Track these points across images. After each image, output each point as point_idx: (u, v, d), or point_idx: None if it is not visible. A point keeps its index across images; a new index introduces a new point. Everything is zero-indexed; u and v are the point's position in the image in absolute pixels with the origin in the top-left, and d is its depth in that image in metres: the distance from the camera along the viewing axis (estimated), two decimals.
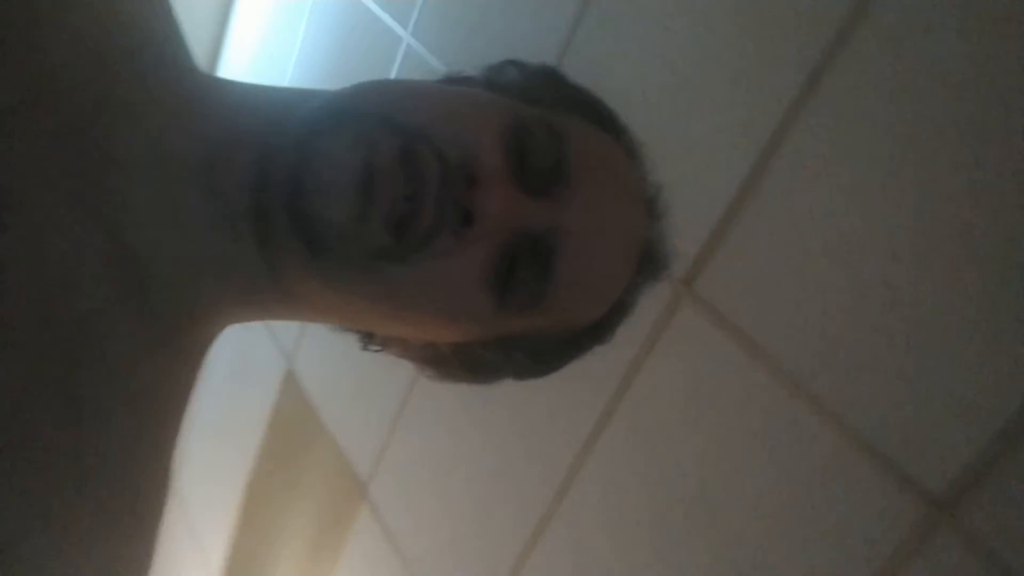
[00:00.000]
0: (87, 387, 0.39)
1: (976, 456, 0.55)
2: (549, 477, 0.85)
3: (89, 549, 0.38)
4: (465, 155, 0.43)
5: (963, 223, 0.57)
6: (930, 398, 0.57)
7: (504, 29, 0.99)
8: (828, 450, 0.62)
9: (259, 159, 0.43)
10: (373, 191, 0.41)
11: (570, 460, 0.83)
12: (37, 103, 0.39)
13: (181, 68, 0.48)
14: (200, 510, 1.66)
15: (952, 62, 0.57)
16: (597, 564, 0.79)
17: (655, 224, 0.55)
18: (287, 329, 1.41)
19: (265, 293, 0.46)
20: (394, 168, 0.41)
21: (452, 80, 0.55)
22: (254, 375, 1.50)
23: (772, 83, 0.68)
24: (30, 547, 0.36)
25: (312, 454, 1.29)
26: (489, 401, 0.94)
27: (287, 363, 1.38)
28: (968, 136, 0.56)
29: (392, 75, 1.19)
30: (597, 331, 0.54)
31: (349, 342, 0.54)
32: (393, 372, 1.08)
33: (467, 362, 0.53)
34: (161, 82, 0.45)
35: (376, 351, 0.53)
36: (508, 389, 0.58)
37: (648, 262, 0.54)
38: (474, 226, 0.43)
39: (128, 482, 0.41)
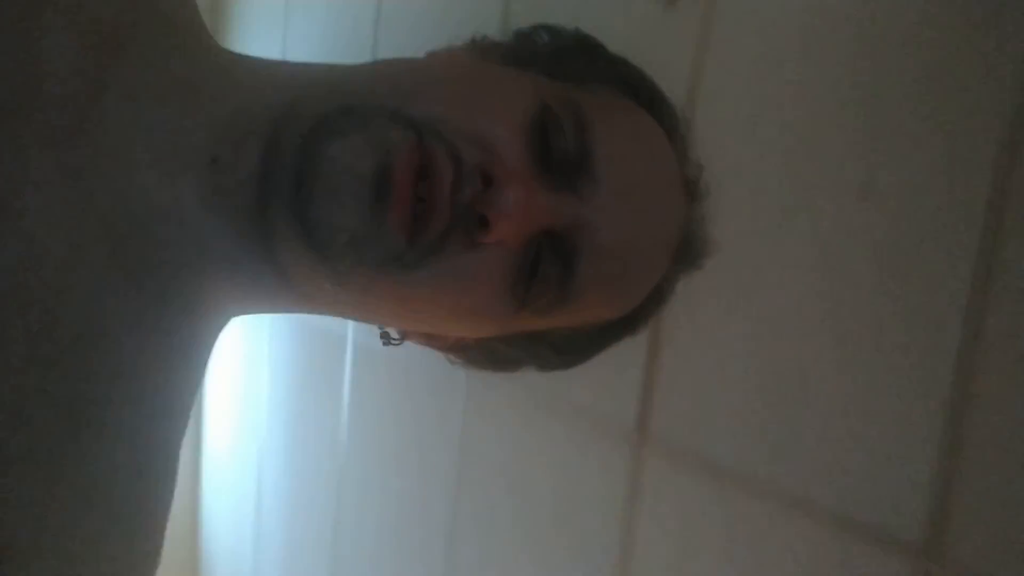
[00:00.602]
0: (90, 384, 0.38)
1: (933, 487, 0.55)
2: None
3: (97, 547, 0.39)
4: (482, 152, 0.40)
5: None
6: (871, 450, 0.59)
7: None
8: (812, 541, 0.63)
9: (264, 155, 0.41)
10: (384, 195, 0.38)
11: None
12: (25, 88, 0.38)
13: (190, 45, 0.45)
14: None
15: None
16: None
17: (695, 207, 0.51)
18: None
19: (273, 288, 0.45)
20: (406, 170, 0.39)
21: (477, 47, 0.51)
22: None
23: None
24: (36, 548, 0.36)
25: None
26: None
27: None
28: None
29: None
30: (628, 323, 0.51)
31: None
32: None
33: (489, 354, 0.51)
34: (166, 63, 0.42)
35: (396, 343, 0.51)
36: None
37: (686, 249, 0.51)
38: (490, 230, 0.40)
39: (136, 477, 0.41)
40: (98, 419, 0.39)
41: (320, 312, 0.48)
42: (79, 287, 0.39)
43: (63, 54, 0.39)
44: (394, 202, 0.38)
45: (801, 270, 0.63)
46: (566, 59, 0.49)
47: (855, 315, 0.60)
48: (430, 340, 0.52)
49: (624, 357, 0.63)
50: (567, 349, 0.51)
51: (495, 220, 0.40)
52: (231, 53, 0.48)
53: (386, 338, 0.51)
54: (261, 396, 1.59)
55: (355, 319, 0.48)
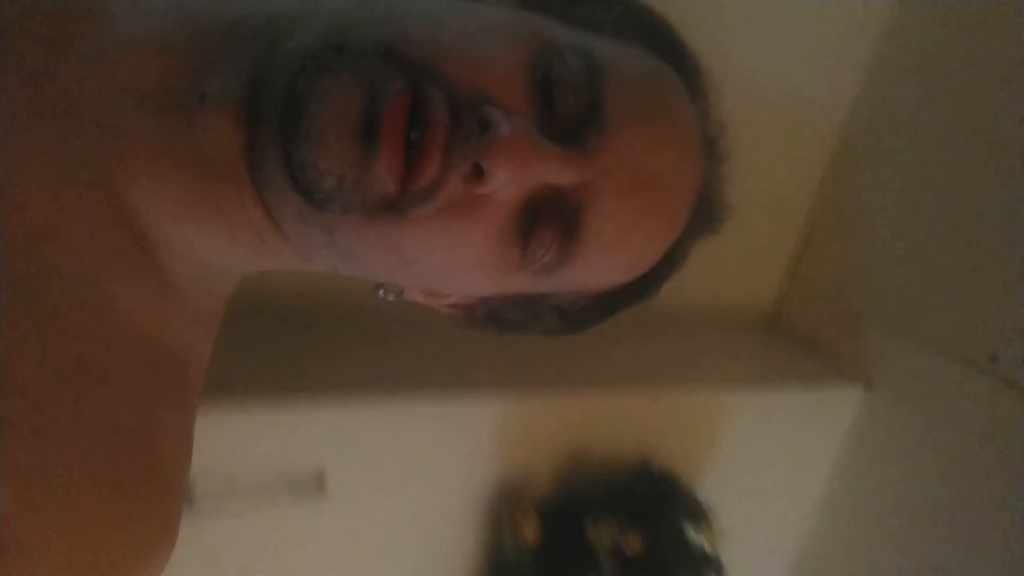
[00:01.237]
0: (93, 353, 0.37)
1: None
2: None
3: (108, 523, 0.37)
4: (479, 94, 0.38)
5: None
6: None
7: None
8: None
9: (249, 94, 0.38)
10: (373, 137, 0.36)
11: None
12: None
13: None
14: None
15: None
16: None
17: (714, 167, 0.48)
18: None
19: (270, 240, 0.43)
20: (396, 113, 0.36)
21: None
22: None
23: None
24: (41, 524, 0.34)
25: None
26: None
27: None
28: None
29: None
30: (638, 287, 0.48)
31: None
32: None
33: (490, 314, 0.49)
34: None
35: (392, 300, 0.49)
36: None
37: (702, 210, 0.48)
38: (485, 179, 0.37)
39: (145, 449, 0.39)
40: (97, 381, 0.37)
41: (317, 268, 0.45)
42: (76, 249, 0.38)
43: None
44: (383, 146, 0.36)
45: None
46: (583, 4, 0.46)
47: None
48: (429, 297, 0.50)
49: None
50: (572, 314, 0.49)
51: (490, 171, 0.37)
52: None
53: (384, 293, 0.49)
54: None
55: (352, 274, 0.46)
